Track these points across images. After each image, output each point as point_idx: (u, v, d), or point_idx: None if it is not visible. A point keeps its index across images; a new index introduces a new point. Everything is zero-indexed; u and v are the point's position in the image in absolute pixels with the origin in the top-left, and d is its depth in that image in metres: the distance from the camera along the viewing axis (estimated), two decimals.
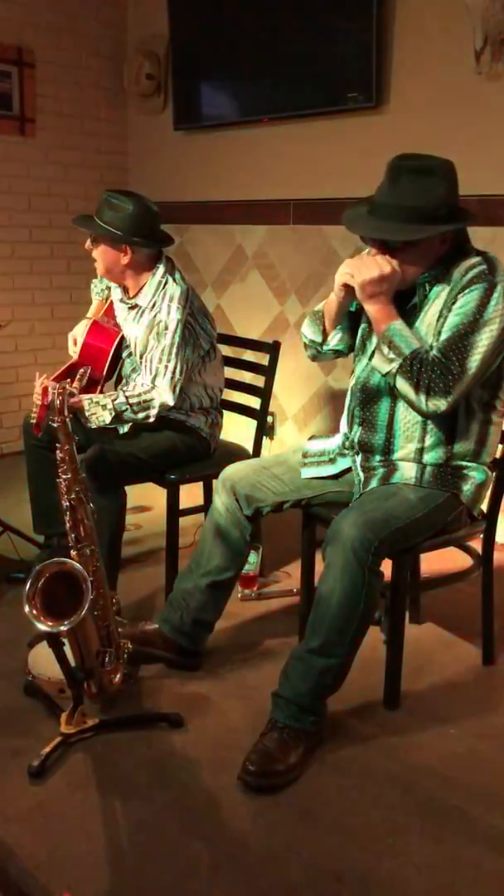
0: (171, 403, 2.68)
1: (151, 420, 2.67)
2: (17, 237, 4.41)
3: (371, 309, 2.09)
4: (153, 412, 2.66)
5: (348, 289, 2.11)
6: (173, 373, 2.66)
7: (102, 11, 4.55)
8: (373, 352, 2.11)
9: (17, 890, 1.62)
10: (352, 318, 2.30)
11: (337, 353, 2.36)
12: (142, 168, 4.75)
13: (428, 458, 2.15)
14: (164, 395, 2.66)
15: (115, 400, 2.62)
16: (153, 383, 2.66)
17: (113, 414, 2.60)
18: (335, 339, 2.32)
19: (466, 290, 2.01)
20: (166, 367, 2.65)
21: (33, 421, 2.72)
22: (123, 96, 4.68)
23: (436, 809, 1.89)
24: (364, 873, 1.70)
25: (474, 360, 1.98)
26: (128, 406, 2.62)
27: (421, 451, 2.15)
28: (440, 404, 2.00)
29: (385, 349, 2.06)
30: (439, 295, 2.08)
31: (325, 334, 2.31)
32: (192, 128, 4.37)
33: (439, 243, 2.07)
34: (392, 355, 2.04)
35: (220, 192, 4.33)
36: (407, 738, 2.14)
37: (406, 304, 2.12)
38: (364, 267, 2.05)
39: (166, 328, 2.66)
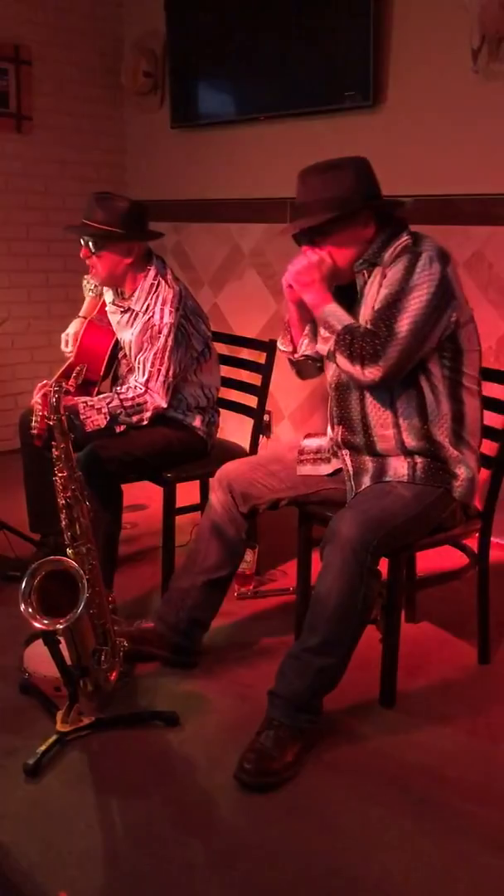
0: (164, 406, 2.68)
1: (145, 423, 2.69)
2: (13, 235, 4.40)
3: (307, 298, 2.15)
4: (147, 415, 2.67)
5: (291, 288, 2.19)
6: (166, 376, 2.66)
7: (99, 9, 4.55)
8: (327, 356, 2.17)
9: (13, 889, 1.62)
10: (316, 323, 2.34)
11: (313, 360, 2.39)
12: (138, 166, 4.74)
13: (410, 442, 2.15)
14: (157, 399, 2.67)
15: (109, 403, 2.62)
16: (146, 386, 2.66)
17: (108, 418, 2.60)
18: (303, 346, 2.37)
19: (393, 264, 2.08)
20: (159, 370, 2.66)
21: (34, 430, 2.61)
22: (120, 94, 4.67)
23: (431, 807, 1.89)
24: (360, 871, 1.70)
25: (403, 324, 2.01)
26: (122, 409, 2.63)
27: (400, 436, 2.15)
28: (376, 372, 2.02)
29: (322, 330, 2.15)
30: (375, 277, 2.14)
31: (293, 342, 2.38)
32: (189, 126, 4.36)
33: (362, 228, 2.13)
34: (328, 334, 2.12)
35: (217, 190, 4.32)
36: (402, 736, 2.14)
37: (350, 295, 2.19)
38: (296, 262, 2.15)
39: (159, 332, 2.66)
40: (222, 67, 4.14)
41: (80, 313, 3.07)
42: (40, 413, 2.55)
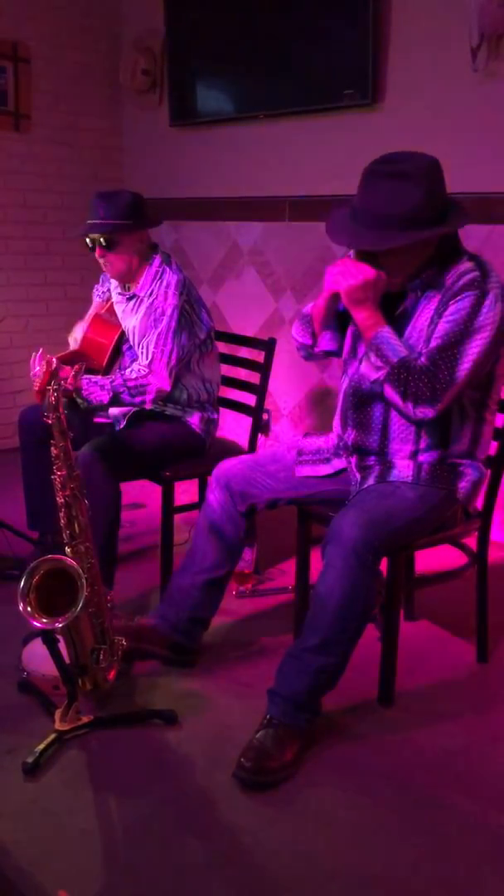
0: (167, 389, 2.68)
1: (147, 405, 2.68)
2: (11, 233, 4.40)
3: (358, 316, 2.07)
4: (149, 397, 2.67)
5: (334, 294, 2.11)
6: (169, 357, 2.67)
7: (98, 7, 4.53)
8: (372, 382, 2.09)
9: (12, 887, 1.62)
10: (340, 318, 2.29)
11: (329, 353, 2.36)
12: (137, 164, 4.74)
13: (424, 457, 2.15)
14: (160, 380, 2.67)
15: (113, 381, 2.63)
16: (149, 368, 2.67)
17: (110, 395, 2.61)
18: (325, 341, 2.32)
19: (458, 298, 2.00)
20: (162, 351, 2.67)
21: (36, 388, 2.58)
22: (119, 92, 4.66)
23: (431, 806, 1.89)
24: (358, 870, 1.70)
25: (463, 369, 1.97)
26: (125, 388, 2.64)
27: (416, 452, 2.16)
28: (428, 412, 1.99)
29: (373, 357, 2.05)
30: (430, 301, 2.07)
31: (314, 336, 2.31)
32: (188, 124, 4.36)
33: (422, 247, 2.04)
34: (380, 363, 2.03)
35: (216, 188, 4.32)
36: (401, 735, 2.14)
37: (396, 309, 2.11)
38: (348, 273, 2.03)
39: (163, 314, 2.68)
40: (221, 65, 4.13)
41: (90, 313, 3.08)
42: (39, 371, 2.51)
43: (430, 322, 2.05)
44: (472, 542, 2.43)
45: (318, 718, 2.07)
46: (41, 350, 2.57)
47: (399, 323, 2.10)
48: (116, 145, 4.77)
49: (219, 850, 1.76)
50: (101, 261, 2.78)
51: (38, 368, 2.53)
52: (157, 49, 4.39)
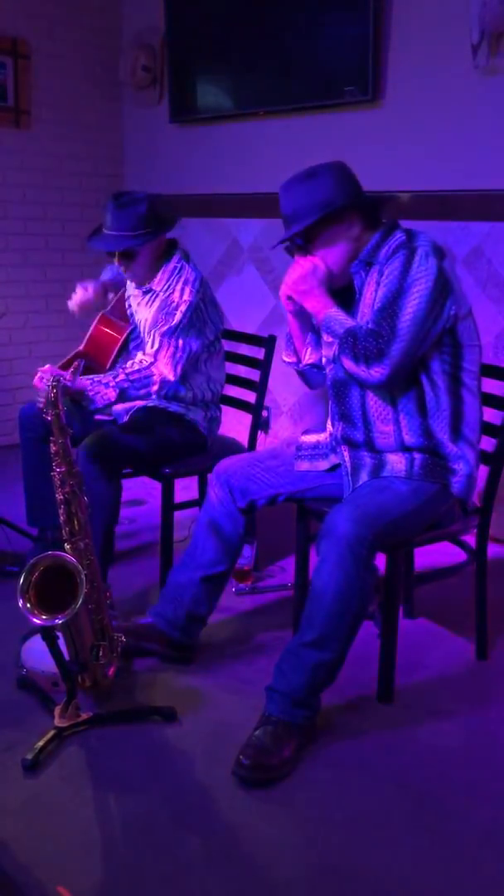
0: (172, 379, 2.68)
1: (153, 396, 2.68)
2: (11, 229, 4.39)
3: (308, 305, 2.18)
4: (154, 388, 2.67)
5: (291, 300, 2.23)
6: (175, 349, 2.67)
7: (98, 3, 4.53)
8: (333, 361, 2.17)
9: (11, 884, 1.62)
10: (319, 332, 2.35)
11: (318, 368, 2.40)
12: (137, 160, 4.73)
13: (409, 438, 2.15)
14: (164, 370, 2.66)
15: (116, 377, 2.63)
16: (155, 357, 2.67)
17: (117, 391, 2.60)
18: (308, 355, 2.39)
19: (389, 262, 2.10)
20: (170, 342, 2.67)
21: (40, 406, 2.61)
22: (119, 88, 4.66)
23: (429, 803, 1.89)
24: (357, 867, 1.71)
25: (404, 322, 2.03)
26: (129, 382, 2.63)
27: (399, 432, 2.16)
28: (381, 370, 2.04)
29: (325, 336, 2.16)
30: (372, 276, 2.16)
31: (297, 353, 2.40)
32: (188, 120, 4.35)
33: (347, 227, 2.15)
34: (331, 338, 2.14)
35: (216, 184, 4.31)
36: (400, 732, 2.14)
37: (348, 296, 2.20)
38: (291, 272, 2.19)
39: (177, 308, 2.68)
40: (221, 62, 4.12)
41: (102, 277, 3.08)
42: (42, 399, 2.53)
43: (374, 295, 2.14)
44: (471, 539, 2.43)
45: (316, 715, 2.07)
46: (48, 367, 2.57)
47: (352, 306, 2.19)
48: (116, 142, 4.76)
49: (217, 846, 1.76)
50: (121, 269, 2.79)
51: (42, 384, 2.53)
52: (157, 45, 4.39)
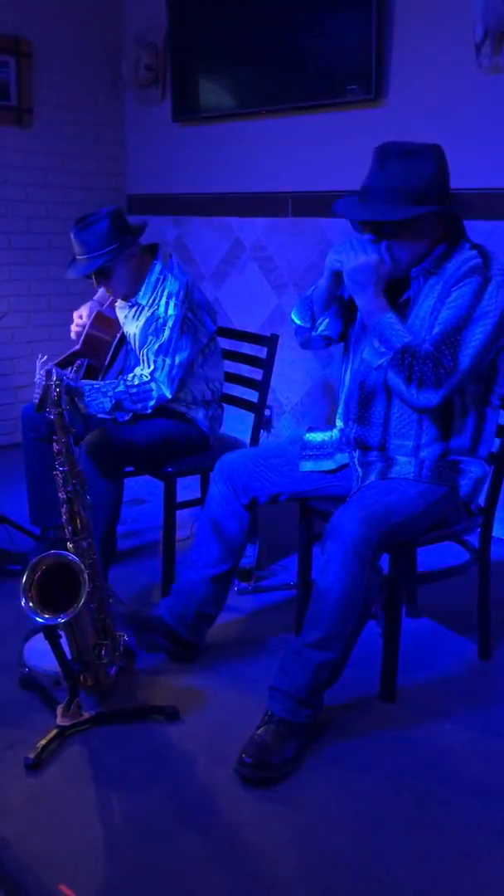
0: (169, 396, 2.69)
1: (148, 411, 2.68)
2: (13, 228, 4.39)
3: (361, 300, 2.07)
4: (151, 403, 2.67)
5: (337, 275, 2.11)
6: (171, 367, 2.67)
7: (101, 2, 4.53)
8: (376, 367, 2.09)
9: (13, 882, 1.62)
10: (343, 305, 2.28)
11: (327, 339, 2.34)
12: (139, 159, 4.73)
13: (424, 453, 2.15)
14: (162, 389, 2.67)
15: (115, 388, 2.62)
16: (151, 377, 2.67)
17: (113, 402, 2.60)
18: (323, 325, 2.30)
19: (460, 285, 2.00)
20: (164, 361, 2.66)
21: (36, 401, 2.59)
22: (121, 87, 4.66)
23: (431, 803, 1.89)
24: (359, 866, 1.70)
25: (467, 355, 1.97)
26: (127, 395, 2.63)
27: (417, 447, 2.15)
28: (431, 398, 1.98)
29: (376, 342, 2.05)
30: (433, 288, 2.07)
31: (313, 319, 2.30)
32: (191, 119, 4.35)
33: (433, 226, 2.05)
34: (383, 348, 2.03)
35: (219, 183, 4.31)
36: (403, 731, 2.14)
37: (399, 297, 2.11)
38: (353, 255, 2.04)
39: (164, 324, 2.67)
40: (224, 61, 4.12)
41: (95, 297, 3.07)
42: (43, 384, 2.52)
43: (433, 309, 2.05)
44: (474, 539, 2.43)
45: (319, 715, 2.07)
46: (45, 358, 2.56)
47: (402, 310, 2.10)
48: (119, 140, 4.76)
49: (219, 845, 1.76)
50: (104, 289, 2.79)
51: (38, 377, 2.53)
52: (159, 44, 4.38)
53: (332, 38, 3.60)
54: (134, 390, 2.64)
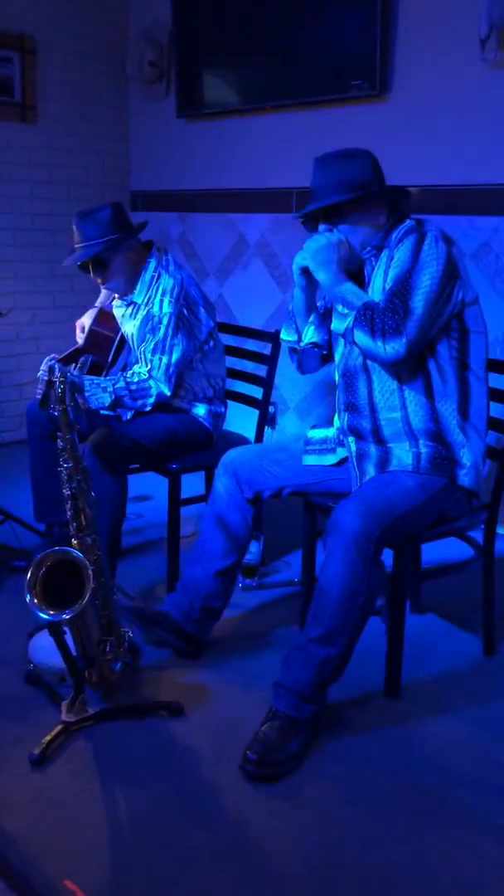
0: (168, 394, 2.69)
1: (148, 409, 2.69)
2: (18, 225, 4.40)
3: (323, 277, 2.16)
4: (150, 401, 2.68)
5: (306, 272, 2.22)
6: (168, 366, 2.68)
7: None
8: (344, 334, 2.15)
9: (19, 877, 1.62)
10: (325, 315, 2.34)
11: (317, 348, 2.37)
12: (144, 155, 4.73)
13: (417, 424, 2.15)
14: (161, 387, 2.67)
15: (115, 384, 2.63)
16: (149, 375, 2.68)
17: (112, 398, 2.61)
18: (310, 333, 2.36)
19: (399, 245, 2.11)
20: (160, 359, 2.68)
21: (39, 397, 2.62)
22: (126, 83, 4.65)
23: (436, 799, 1.89)
24: (364, 862, 1.71)
25: (418, 300, 2.04)
26: (127, 392, 2.64)
27: (406, 418, 2.16)
28: (398, 346, 2.03)
29: (339, 307, 2.14)
30: (382, 260, 2.18)
31: (298, 332, 2.37)
32: (195, 115, 4.34)
33: (376, 212, 2.17)
34: (346, 310, 2.12)
35: (223, 179, 4.31)
36: (407, 727, 2.14)
37: (357, 282, 2.20)
38: (312, 241, 2.18)
39: (159, 322, 2.68)
40: (228, 57, 4.11)
41: (96, 303, 3.08)
42: (45, 379, 2.52)
43: (384, 277, 2.15)
44: (478, 535, 2.43)
45: (323, 710, 2.07)
46: (53, 356, 2.57)
47: (364, 289, 2.20)
48: (123, 137, 4.76)
49: (224, 841, 1.76)
50: (98, 282, 2.79)
51: (41, 373, 2.53)
52: (164, 40, 4.38)
53: (337, 34, 3.59)
54: (134, 387, 2.65)
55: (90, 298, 3.16)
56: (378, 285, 2.17)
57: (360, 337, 2.08)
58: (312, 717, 2.03)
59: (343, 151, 2.21)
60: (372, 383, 2.20)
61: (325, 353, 2.40)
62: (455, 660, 2.47)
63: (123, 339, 2.95)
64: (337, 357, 2.32)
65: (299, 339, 2.38)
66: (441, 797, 1.90)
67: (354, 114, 3.67)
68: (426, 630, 2.63)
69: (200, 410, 2.84)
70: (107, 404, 2.62)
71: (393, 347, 2.04)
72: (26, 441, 2.95)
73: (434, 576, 2.69)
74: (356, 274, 2.22)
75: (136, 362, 2.83)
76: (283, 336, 2.44)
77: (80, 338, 3.01)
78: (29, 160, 4.37)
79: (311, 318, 2.35)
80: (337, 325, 2.17)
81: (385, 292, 2.10)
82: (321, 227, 2.21)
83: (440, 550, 2.59)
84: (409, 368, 2.14)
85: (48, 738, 2.01)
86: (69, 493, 2.15)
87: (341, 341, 2.26)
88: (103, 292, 3.09)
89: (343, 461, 2.34)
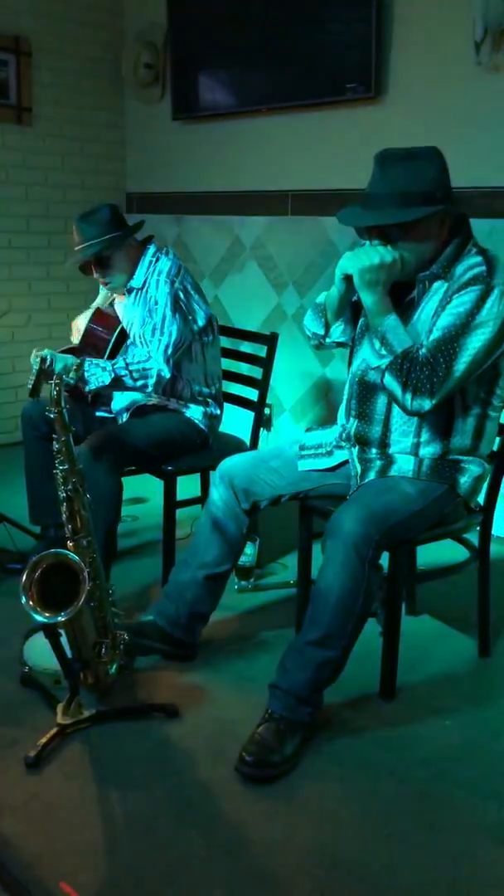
0: (167, 375, 2.70)
1: (149, 389, 2.70)
2: (13, 227, 4.39)
3: (368, 299, 2.06)
4: (151, 381, 2.68)
5: (348, 280, 2.10)
6: (166, 346, 2.69)
7: (101, 0, 4.52)
8: (374, 369, 2.10)
9: (14, 880, 1.62)
10: (354, 309, 2.29)
11: (340, 344, 2.36)
12: (139, 158, 4.73)
13: (424, 452, 2.15)
14: (161, 366, 2.69)
15: (115, 364, 2.64)
16: (149, 355, 2.69)
17: (112, 376, 2.61)
18: (338, 332, 2.32)
19: (462, 291, 2.00)
20: (160, 340, 2.70)
21: (29, 386, 2.63)
22: (121, 86, 4.66)
23: (431, 800, 1.89)
24: (359, 864, 1.71)
25: (462, 363, 1.97)
26: (127, 371, 2.64)
27: (417, 445, 2.15)
28: (424, 404, 1.99)
29: (377, 344, 2.05)
30: (437, 292, 2.07)
31: (327, 327, 2.31)
32: (191, 117, 4.35)
33: (438, 227, 2.05)
34: (384, 351, 2.04)
35: (218, 182, 4.31)
36: (402, 729, 2.14)
37: (404, 298, 2.12)
38: (364, 254, 2.04)
39: (156, 302, 2.72)
40: (224, 59, 4.12)
41: (93, 304, 3.09)
42: (36, 369, 2.55)
43: (434, 313, 2.05)
44: (474, 537, 2.43)
45: (319, 712, 2.07)
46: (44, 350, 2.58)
47: (406, 312, 2.10)
48: (118, 139, 4.76)
49: (220, 843, 1.76)
50: (101, 282, 2.84)
51: (34, 357, 2.55)
52: (159, 43, 4.38)
53: (332, 37, 3.60)
54: (134, 367, 2.65)
55: (85, 301, 3.16)
56: (427, 316, 2.06)
57: (390, 382, 2.02)
58: (308, 718, 2.03)
59: (409, 152, 2.02)
60: (392, 404, 2.15)
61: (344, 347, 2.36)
62: (450, 661, 2.47)
63: (119, 339, 2.95)
64: (356, 362, 2.25)
65: (326, 334, 2.32)
66: (437, 798, 1.90)
67: (350, 117, 3.68)
68: (422, 632, 2.63)
69: (196, 412, 2.84)
70: (107, 382, 2.61)
71: (419, 404, 1.99)
72: (21, 443, 2.95)
73: (429, 578, 2.69)
74: (399, 288, 2.09)
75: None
76: (308, 325, 2.35)
77: (75, 338, 3.01)
78: (24, 162, 4.37)
79: (345, 317, 2.29)
80: (370, 357, 2.07)
81: (430, 340, 2.00)
82: (375, 241, 2.05)
83: (436, 552, 2.59)
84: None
85: (43, 740, 2.00)
86: (65, 495, 2.15)
87: (364, 345, 2.19)
88: (102, 293, 3.09)
89: (339, 465, 2.33)
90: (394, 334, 2.03)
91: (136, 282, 2.80)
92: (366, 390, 2.21)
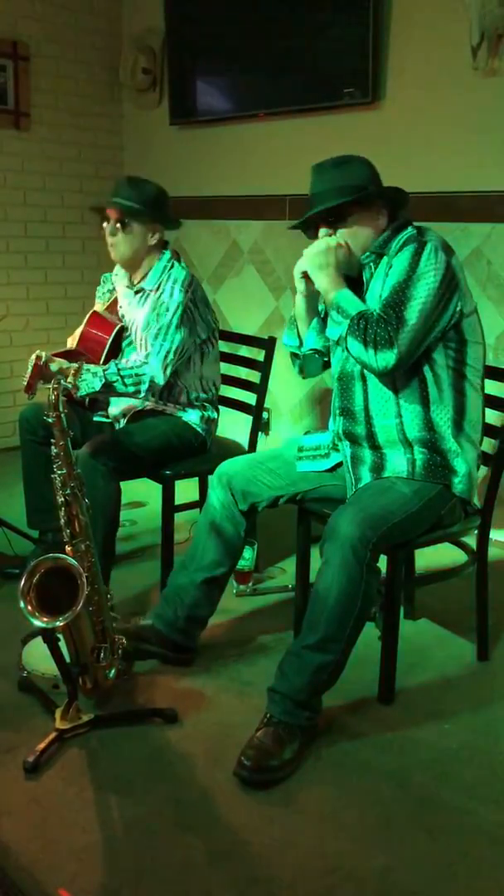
0: (161, 382, 2.68)
1: (142, 395, 2.68)
2: (11, 232, 4.40)
3: (320, 282, 2.17)
4: (144, 387, 2.66)
5: (306, 277, 2.23)
6: (167, 353, 2.68)
7: (98, 5, 4.54)
8: (337, 341, 2.16)
9: (13, 886, 1.62)
10: (325, 317, 2.33)
11: (319, 353, 2.37)
12: (137, 163, 4.73)
13: (411, 432, 2.15)
14: (155, 372, 2.67)
15: (106, 370, 2.62)
16: (146, 359, 2.68)
17: (103, 381, 2.59)
18: (312, 338, 2.36)
19: (398, 254, 2.11)
20: (161, 345, 2.68)
21: (24, 382, 2.60)
22: (119, 90, 4.67)
23: (430, 804, 1.89)
24: (358, 868, 1.71)
25: (412, 311, 2.04)
26: (119, 377, 2.62)
27: (401, 426, 2.16)
28: (389, 357, 2.03)
29: (334, 314, 2.14)
30: (381, 267, 2.18)
31: (300, 337, 2.38)
32: (188, 122, 4.36)
33: (376, 216, 2.18)
34: (340, 318, 2.12)
35: (216, 187, 4.32)
36: (401, 732, 2.14)
37: (356, 286, 2.20)
38: (312, 246, 2.19)
39: (167, 309, 2.70)
40: (221, 64, 4.13)
41: (113, 273, 3.09)
42: (30, 369, 2.54)
43: (382, 285, 2.15)
44: (472, 540, 2.43)
45: (318, 716, 2.07)
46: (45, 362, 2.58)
47: (361, 295, 2.20)
48: (116, 144, 4.77)
49: (219, 848, 1.76)
50: (109, 240, 2.80)
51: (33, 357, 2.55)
52: (157, 47, 4.40)
53: (329, 42, 3.61)
54: (126, 373, 2.63)
55: (84, 305, 3.17)
56: (375, 292, 2.17)
57: (353, 346, 2.09)
58: (307, 722, 2.03)
59: (339, 158, 2.21)
60: (367, 390, 2.20)
61: (326, 359, 2.40)
62: (449, 665, 2.47)
63: (115, 343, 2.95)
64: (333, 362, 2.33)
65: (301, 345, 2.38)
66: (436, 802, 1.90)
67: (347, 121, 3.69)
68: (420, 635, 2.63)
69: (194, 417, 2.84)
70: (97, 388, 2.59)
71: (384, 358, 2.04)
72: (19, 447, 2.95)
73: (427, 581, 2.69)
74: (355, 279, 2.22)
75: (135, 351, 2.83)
76: (285, 341, 2.44)
77: (71, 343, 3.00)
78: (22, 167, 4.38)
79: (313, 324, 2.35)
80: (332, 331, 2.18)
81: (382, 299, 2.10)
82: (321, 231, 2.21)
83: (434, 556, 2.60)
84: (404, 377, 2.14)
85: (42, 745, 2.00)
86: (63, 499, 2.15)
87: (338, 347, 2.26)
88: (97, 303, 3.07)
89: (337, 466, 2.34)
90: (347, 301, 2.14)
91: (149, 283, 2.78)
92: (344, 385, 2.26)
